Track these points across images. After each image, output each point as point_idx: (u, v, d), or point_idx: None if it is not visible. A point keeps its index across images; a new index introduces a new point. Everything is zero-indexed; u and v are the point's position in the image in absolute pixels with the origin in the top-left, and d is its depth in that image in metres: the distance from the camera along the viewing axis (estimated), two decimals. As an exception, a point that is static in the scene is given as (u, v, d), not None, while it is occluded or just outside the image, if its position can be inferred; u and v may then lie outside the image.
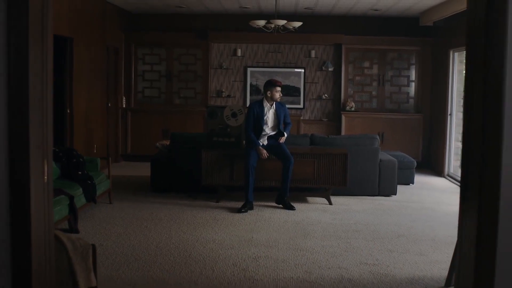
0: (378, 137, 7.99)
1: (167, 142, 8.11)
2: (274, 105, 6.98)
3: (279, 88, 6.97)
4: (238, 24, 10.73)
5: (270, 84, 6.99)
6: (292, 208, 6.90)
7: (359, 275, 4.59)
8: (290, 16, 10.22)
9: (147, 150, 10.03)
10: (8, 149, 2.41)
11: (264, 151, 6.88)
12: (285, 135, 7.07)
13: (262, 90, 7.36)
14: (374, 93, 10.97)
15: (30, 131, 2.42)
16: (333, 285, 4.34)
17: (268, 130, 7.01)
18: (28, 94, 2.40)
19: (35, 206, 2.48)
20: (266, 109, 6.95)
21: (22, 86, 2.40)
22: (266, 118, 6.95)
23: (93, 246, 3.29)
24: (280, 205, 7.02)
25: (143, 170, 9.12)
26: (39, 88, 2.49)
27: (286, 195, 6.98)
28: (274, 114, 7.00)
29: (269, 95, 6.95)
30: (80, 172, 6.37)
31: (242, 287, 4.26)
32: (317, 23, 10.82)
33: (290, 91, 10.98)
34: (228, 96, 11.06)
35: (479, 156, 2.46)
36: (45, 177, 2.56)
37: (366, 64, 10.98)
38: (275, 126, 7.03)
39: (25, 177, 2.43)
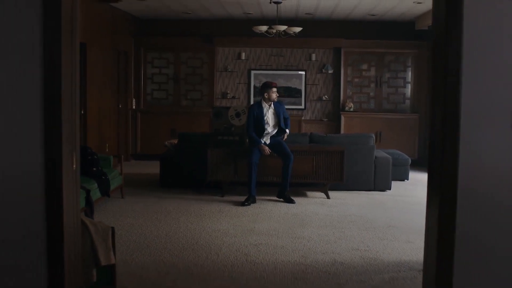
0: (373, 135, 8.38)
1: (176, 141, 8.53)
2: (272, 105, 7.41)
3: (275, 89, 7.41)
4: (242, 29, 11.15)
5: (267, 86, 7.42)
6: (292, 201, 7.31)
7: (350, 259, 5.00)
8: (291, 21, 10.64)
9: (156, 149, 10.46)
10: (44, 142, 2.83)
11: (266, 148, 7.30)
12: (287, 131, 7.51)
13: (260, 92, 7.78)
14: (372, 94, 11.37)
15: (63, 127, 2.84)
16: (326, 267, 4.75)
17: (270, 129, 7.43)
18: (60, 95, 2.82)
19: (66, 190, 2.90)
20: (265, 110, 7.37)
21: (55, 88, 2.82)
22: (266, 118, 7.38)
23: (112, 228, 3.71)
24: (281, 199, 7.43)
25: (152, 168, 9.56)
26: (68, 90, 2.91)
27: (286, 190, 7.40)
28: (273, 113, 7.43)
29: (266, 96, 7.38)
30: (94, 169, 6.79)
31: (244, 269, 4.67)
32: (317, 28, 11.23)
33: (292, 93, 11.40)
34: (233, 97, 11.48)
35: (440, 149, 2.86)
36: (74, 166, 2.99)
37: (364, 66, 11.38)
38: (276, 125, 7.45)
39: (58, 165, 2.84)
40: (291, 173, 7.37)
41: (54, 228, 2.92)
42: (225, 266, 4.76)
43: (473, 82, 2.75)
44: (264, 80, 10.91)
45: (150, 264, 4.79)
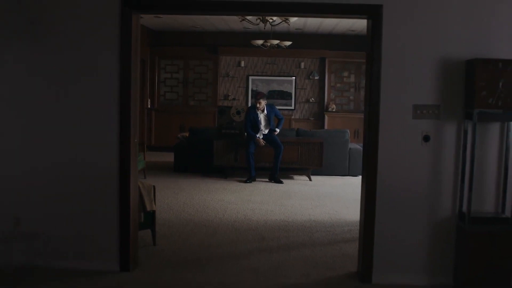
0: (348, 131, 9.87)
1: (187, 134, 10.02)
2: (265, 109, 8.89)
3: (261, 100, 8.85)
4: (242, 41, 12.63)
5: (255, 97, 8.94)
6: (281, 182, 8.82)
7: (321, 218, 6.50)
8: (284, 35, 12.13)
9: (167, 142, 11.96)
10: (120, 126, 4.31)
11: (261, 140, 8.81)
12: (277, 130, 9.00)
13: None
14: (351, 97, 12.88)
15: (131, 117, 4.32)
16: (303, 223, 6.25)
17: (263, 128, 8.93)
18: (130, 96, 4.31)
19: (132, 157, 4.39)
20: (258, 113, 8.88)
21: (126, 92, 4.30)
22: (260, 120, 8.87)
23: (154, 186, 5.20)
24: (272, 181, 8.93)
25: (165, 157, 11.04)
26: (134, 93, 4.39)
27: (276, 173, 8.89)
28: (265, 116, 8.92)
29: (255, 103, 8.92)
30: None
31: (243, 224, 6.17)
32: (305, 41, 12.72)
33: (284, 96, 12.90)
34: (233, 99, 12.98)
35: (367, 136, 4.36)
36: (135, 140, 4.47)
37: (345, 74, 12.89)
38: (267, 125, 8.95)
39: (127, 140, 4.33)
40: (280, 160, 8.86)
41: (124, 183, 4.39)
42: (229, 221, 6.26)
43: (388, 87, 4.24)
44: (259, 84, 12.44)
45: (173, 219, 6.28)
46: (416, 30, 4.23)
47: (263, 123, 8.95)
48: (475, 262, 4.14)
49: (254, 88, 12.89)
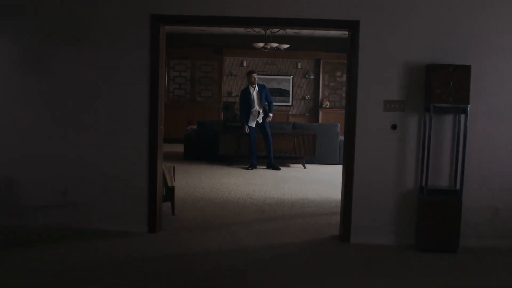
0: (339, 125, 10.84)
1: (195, 127, 10.98)
2: (256, 88, 9.80)
3: (254, 74, 9.75)
4: (244, 43, 13.59)
5: (248, 74, 9.84)
6: (278, 169, 9.80)
7: (313, 197, 7.48)
8: (282, 38, 13.08)
9: (176, 134, 12.91)
10: (149, 117, 5.28)
11: (246, 127, 9.69)
12: (271, 115, 9.89)
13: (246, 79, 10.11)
14: (343, 95, 13.84)
15: (158, 109, 5.29)
16: (297, 201, 7.23)
17: (256, 106, 9.79)
18: (157, 93, 5.27)
19: (158, 140, 5.36)
20: (251, 91, 9.77)
21: (155, 89, 5.27)
22: (253, 98, 9.76)
23: (174, 166, 6.16)
24: (270, 168, 9.90)
25: (175, 148, 11.99)
26: (161, 90, 5.35)
27: (272, 161, 9.86)
28: (257, 93, 9.81)
29: (248, 80, 9.80)
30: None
31: (246, 200, 7.15)
32: (302, 43, 13.68)
33: (282, 93, 13.87)
34: (236, 96, 13.90)
35: (347, 127, 5.32)
36: (161, 127, 5.44)
37: (338, 73, 13.86)
38: (260, 104, 9.78)
39: (155, 128, 5.30)
40: (272, 150, 9.77)
41: (152, 162, 5.36)
42: (234, 198, 7.24)
43: (364, 86, 5.21)
44: (260, 82, 13.33)
45: (187, 197, 7.25)
46: (387, 40, 5.19)
47: (256, 101, 9.78)
48: (431, 226, 5.11)
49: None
